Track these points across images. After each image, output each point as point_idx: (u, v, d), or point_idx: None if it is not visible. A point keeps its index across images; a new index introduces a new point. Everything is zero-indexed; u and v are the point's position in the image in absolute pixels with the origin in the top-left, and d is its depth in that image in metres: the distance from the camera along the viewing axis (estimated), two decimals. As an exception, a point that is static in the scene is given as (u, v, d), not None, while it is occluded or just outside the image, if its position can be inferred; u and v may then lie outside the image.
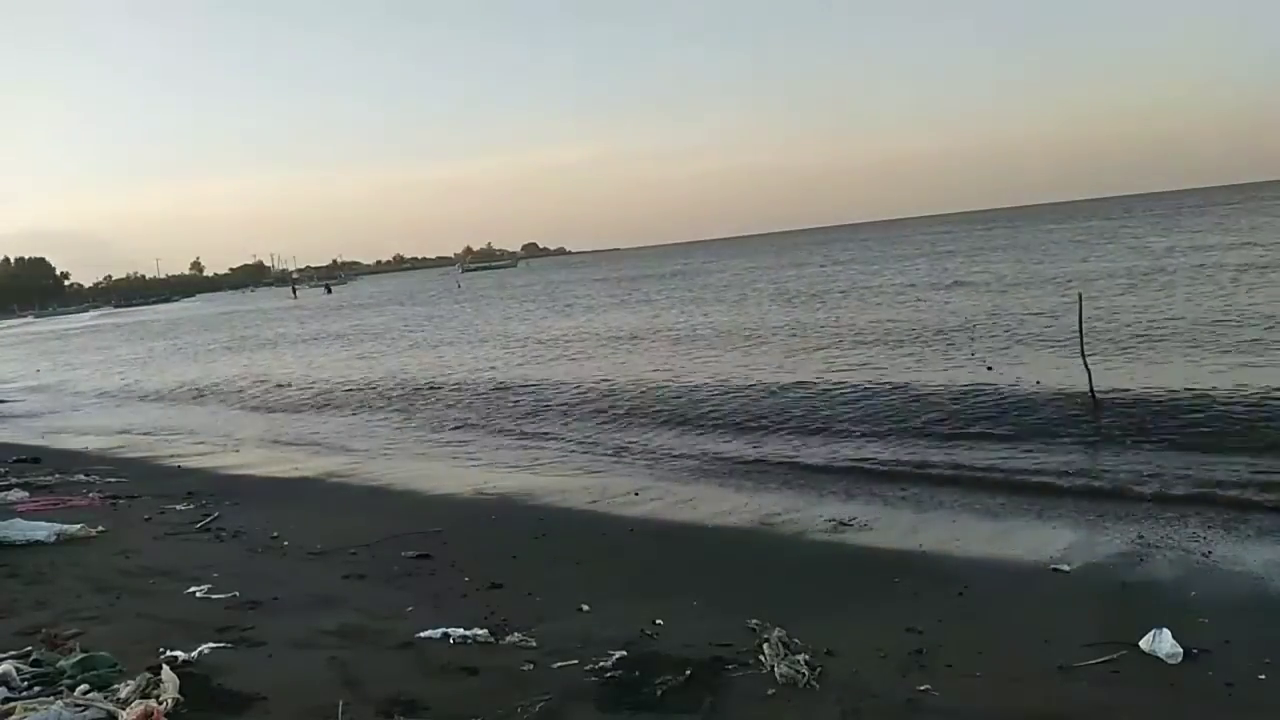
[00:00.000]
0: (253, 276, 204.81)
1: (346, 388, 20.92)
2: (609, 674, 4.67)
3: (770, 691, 4.45)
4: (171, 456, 13.67)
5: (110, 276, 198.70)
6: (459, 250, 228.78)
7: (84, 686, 4.23)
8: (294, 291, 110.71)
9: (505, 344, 27.66)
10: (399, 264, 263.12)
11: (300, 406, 19.20)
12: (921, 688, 4.45)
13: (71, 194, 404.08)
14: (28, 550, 7.58)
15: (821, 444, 11.01)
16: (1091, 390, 10.95)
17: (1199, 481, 8.00)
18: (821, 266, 54.25)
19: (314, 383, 22.44)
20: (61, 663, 4.54)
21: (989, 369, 14.40)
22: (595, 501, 9.29)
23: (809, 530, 7.84)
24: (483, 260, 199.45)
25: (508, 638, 5.33)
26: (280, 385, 22.61)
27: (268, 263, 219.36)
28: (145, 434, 16.74)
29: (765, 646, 4.86)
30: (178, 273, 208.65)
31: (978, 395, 12.42)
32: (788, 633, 5.03)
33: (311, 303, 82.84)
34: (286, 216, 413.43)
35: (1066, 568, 6.41)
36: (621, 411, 14.31)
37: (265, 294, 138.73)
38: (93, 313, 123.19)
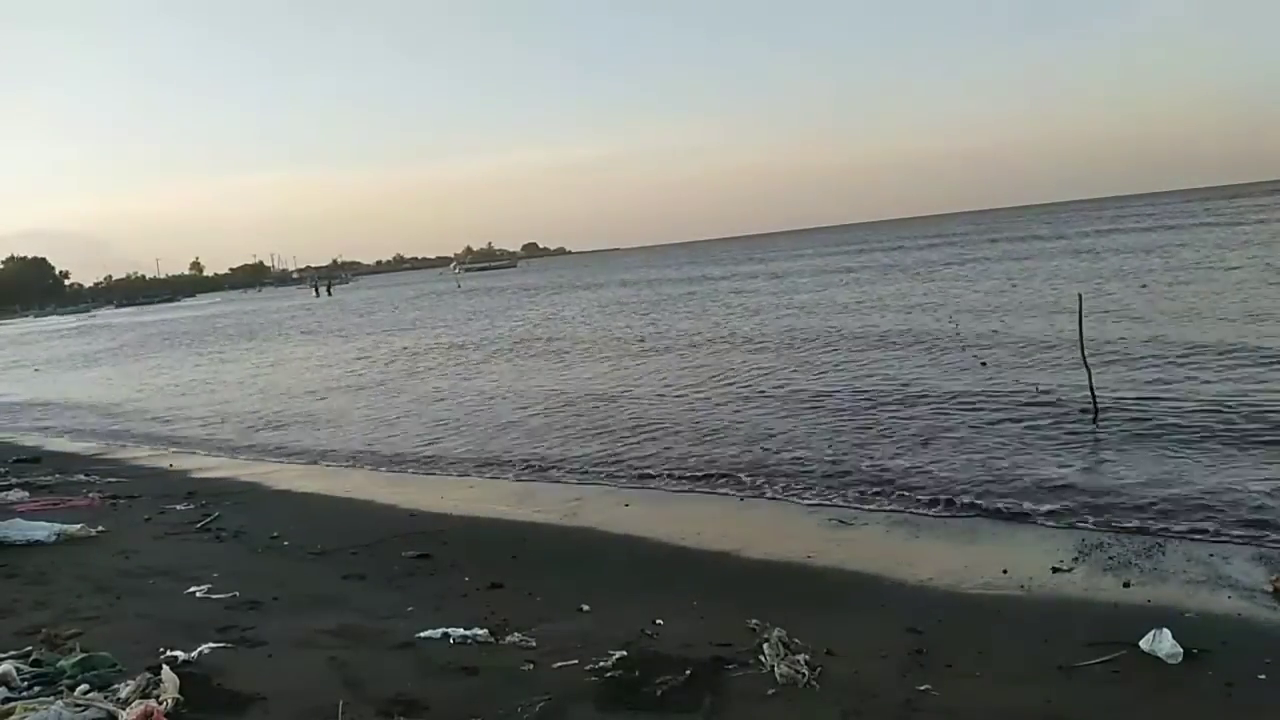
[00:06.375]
0: (253, 277, 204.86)
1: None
2: (609, 674, 4.66)
3: (770, 691, 4.45)
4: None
5: (110, 276, 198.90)
6: (459, 250, 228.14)
7: (84, 686, 4.23)
8: (316, 291, 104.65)
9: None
10: (399, 264, 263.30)
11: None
12: (921, 688, 4.45)
13: (71, 194, 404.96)
14: (28, 550, 7.58)
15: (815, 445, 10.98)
16: (1091, 389, 10.96)
17: (1201, 481, 7.99)
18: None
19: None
20: (61, 663, 4.54)
21: (983, 364, 14.58)
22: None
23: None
24: (483, 260, 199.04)
25: (508, 638, 5.33)
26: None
27: (268, 263, 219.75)
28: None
29: (765, 646, 4.86)
30: (178, 273, 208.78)
31: (978, 389, 12.49)
32: (788, 633, 5.04)
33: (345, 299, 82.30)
34: (286, 216, 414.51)
35: (1066, 568, 6.42)
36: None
37: (271, 293, 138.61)
38: (101, 312, 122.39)
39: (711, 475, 9.84)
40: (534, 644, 5.21)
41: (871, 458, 9.91)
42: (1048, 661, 4.78)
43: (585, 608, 6.03)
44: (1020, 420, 10.86)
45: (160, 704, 4.00)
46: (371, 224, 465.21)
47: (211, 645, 5.05)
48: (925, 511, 8.03)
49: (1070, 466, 8.87)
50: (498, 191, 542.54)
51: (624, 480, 10.12)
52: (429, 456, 12.47)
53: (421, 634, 5.37)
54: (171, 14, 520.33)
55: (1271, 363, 12.54)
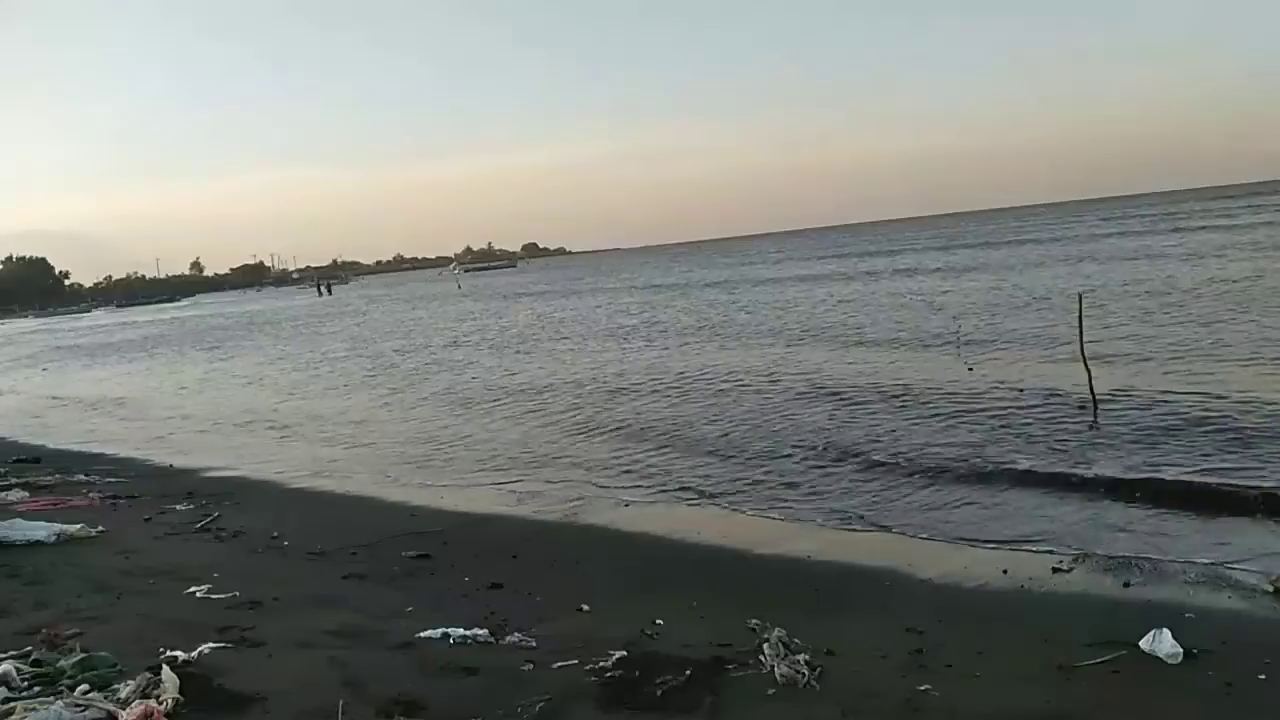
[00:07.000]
0: (253, 277, 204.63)
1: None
2: (609, 674, 4.67)
3: (770, 691, 4.45)
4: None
5: (110, 276, 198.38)
6: (459, 250, 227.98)
7: (84, 686, 4.23)
8: (319, 290, 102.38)
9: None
10: (399, 264, 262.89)
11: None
12: (921, 688, 4.45)
13: (71, 194, 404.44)
14: (28, 550, 7.57)
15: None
16: (1091, 389, 10.96)
17: (1200, 481, 7.99)
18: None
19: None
20: (61, 663, 4.54)
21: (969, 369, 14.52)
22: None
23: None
24: (483, 260, 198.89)
25: (508, 638, 5.34)
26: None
27: (268, 263, 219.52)
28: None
29: (765, 646, 4.87)
30: (178, 273, 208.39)
31: (978, 392, 12.48)
32: (788, 633, 5.04)
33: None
34: (286, 216, 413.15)
35: (1066, 568, 6.42)
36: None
37: (271, 293, 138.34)
38: (99, 311, 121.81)
39: (711, 483, 9.84)
40: (534, 644, 5.21)
41: (862, 462, 9.91)
42: (1048, 661, 4.78)
43: (585, 608, 6.03)
44: (1018, 420, 10.86)
45: (160, 704, 4.01)
46: (371, 224, 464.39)
47: (211, 645, 5.05)
48: (920, 521, 7.99)
49: (1068, 467, 8.88)
50: (498, 191, 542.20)
51: (624, 481, 10.12)
52: (429, 456, 12.47)
53: (421, 634, 5.37)
54: (172, 14, 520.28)
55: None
